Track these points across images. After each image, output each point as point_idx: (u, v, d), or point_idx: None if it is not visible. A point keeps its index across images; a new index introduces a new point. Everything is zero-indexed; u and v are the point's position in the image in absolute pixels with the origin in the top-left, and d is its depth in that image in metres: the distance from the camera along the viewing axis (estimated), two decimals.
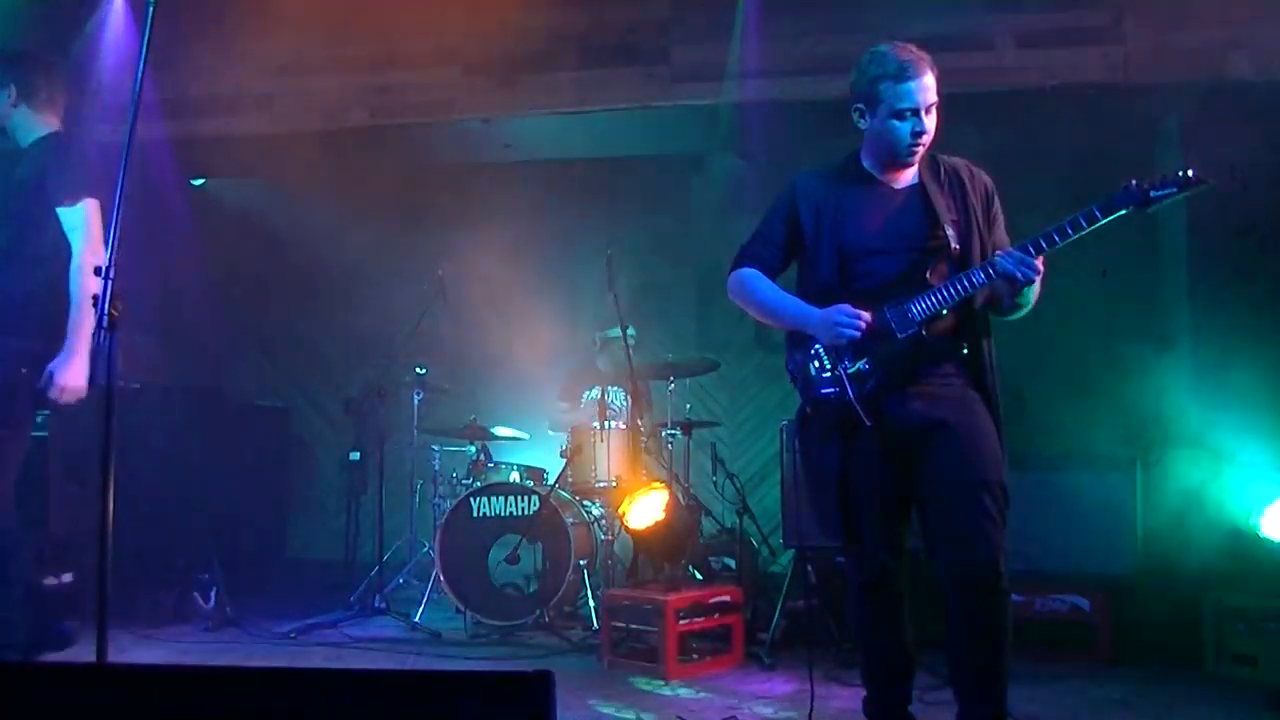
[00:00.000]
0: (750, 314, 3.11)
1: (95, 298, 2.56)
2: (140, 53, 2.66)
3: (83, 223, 3.56)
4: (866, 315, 2.83)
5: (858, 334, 2.82)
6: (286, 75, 5.50)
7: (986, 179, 3.03)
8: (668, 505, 4.81)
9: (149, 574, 5.12)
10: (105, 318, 2.55)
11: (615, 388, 5.68)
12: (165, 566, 5.33)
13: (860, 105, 2.92)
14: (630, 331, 5.40)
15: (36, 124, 3.74)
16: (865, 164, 3.01)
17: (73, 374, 3.47)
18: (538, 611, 4.96)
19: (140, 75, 2.67)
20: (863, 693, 3.05)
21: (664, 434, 5.52)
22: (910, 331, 2.83)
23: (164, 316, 5.69)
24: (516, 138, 5.79)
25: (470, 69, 5.35)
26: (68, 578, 5.20)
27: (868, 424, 2.81)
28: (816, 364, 2.93)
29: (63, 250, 3.56)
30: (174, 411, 5.74)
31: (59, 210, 3.56)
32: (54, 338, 3.51)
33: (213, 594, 5.23)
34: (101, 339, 2.58)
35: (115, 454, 2.55)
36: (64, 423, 5.34)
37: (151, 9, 2.65)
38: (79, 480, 5.16)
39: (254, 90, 5.52)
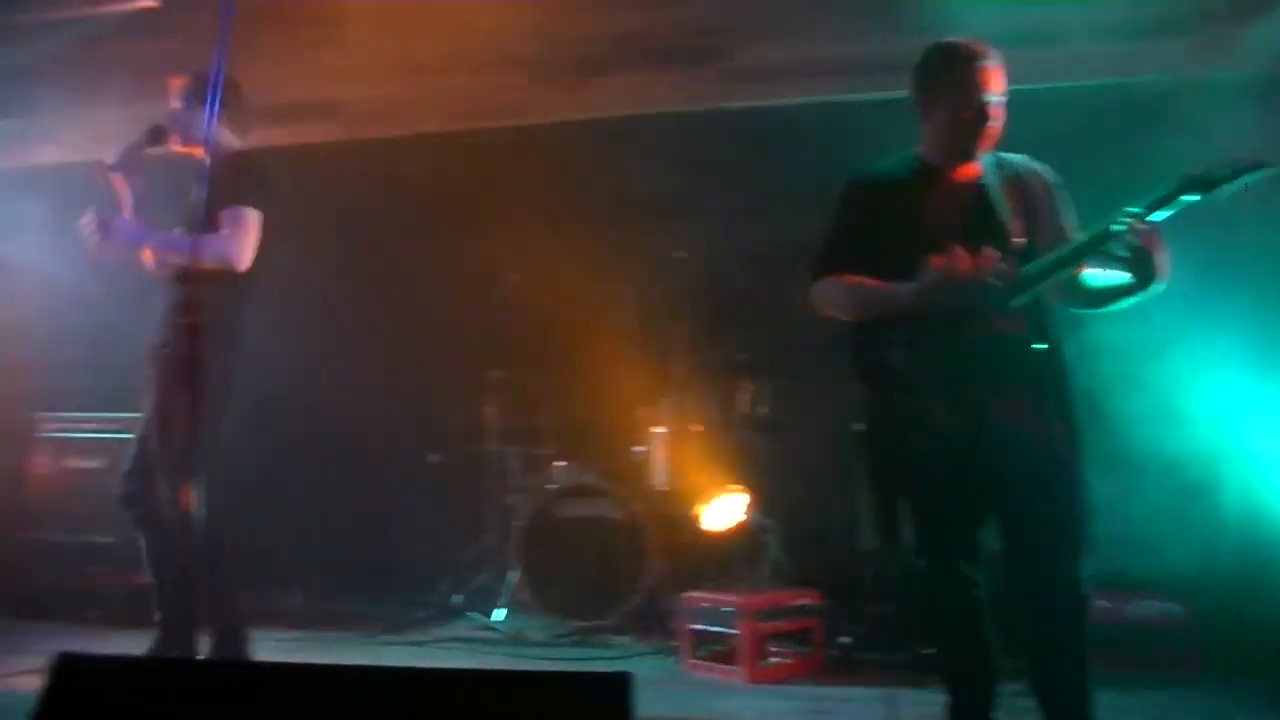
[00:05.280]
0: (843, 317, 3.04)
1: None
2: (216, 65, 2.71)
3: None
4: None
5: (962, 297, 2.73)
6: (355, 83, 5.58)
7: (1048, 172, 2.98)
8: (746, 507, 4.79)
9: (240, 571, 5.21)
10: (191, 321, 2.62)
11: (693, 392, 5.66)
12: (254, 567, 5.43)
13: (927, 96, 2.88)
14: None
15: None
16: (926, 160, 2.96)
17: None
18: (617, 613, 4.97)
19: (216, 87, 2.73)
20: (945, 699, 3.00)
21: (741, 435, 5.49)
22: (1007, 301, 2.75)
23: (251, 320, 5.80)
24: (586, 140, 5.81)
25: (537, 73, 5.38)
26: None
27: (949, 425, 2.75)
28: (892, 364, 2.88)
29: None
30: (261, 413, 5.83)
31: None
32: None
33: (300, 592, 5.32)
34: (190, 341, 2.64)
35: (204, 453, 2.61)
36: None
37: (226, 20, 2.70)
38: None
39: (323, 98, 5.61)
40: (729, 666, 4.23)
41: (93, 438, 5.49)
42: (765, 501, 5.19)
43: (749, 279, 6.81)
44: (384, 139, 5.64)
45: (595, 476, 5.44)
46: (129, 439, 5.46)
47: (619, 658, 4.66)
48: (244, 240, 3.81)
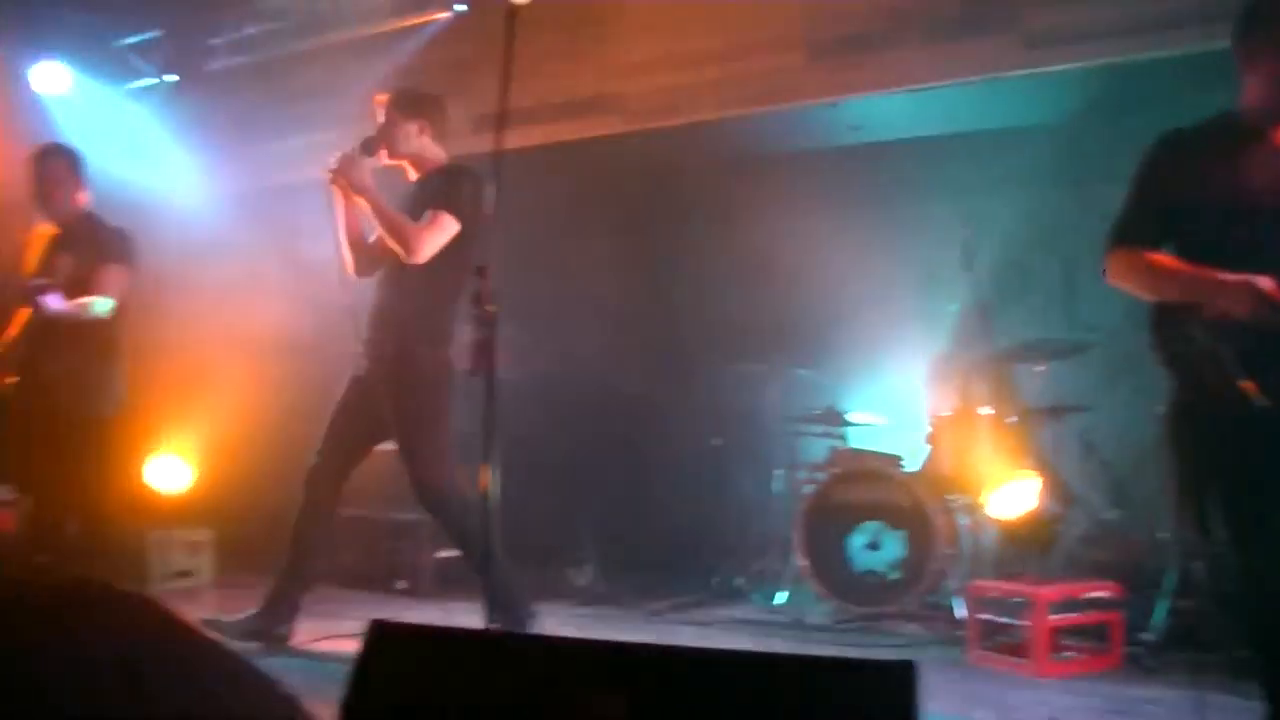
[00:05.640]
0: (1136, 294, 2.85)
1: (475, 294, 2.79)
2: (506, 65, 2.85)
3: None
4: None
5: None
6: (637, 74, 5.71)
7: None
8: (1037, 493, 4.59)
9: (531, 550, 5.48)
10: (484, 313, 2.76)
11: (978, 373, 5.47)
12: (545, 544, 5.70)
13: (1249, 47, 2.61)
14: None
15: None
16: (1246, 120, 2.69)
17: None
18: (900, 600, 4.88)
19: (505, 88, 2.87)
20: (1264, 710, 2.75)
21: (1031, 419, 5.25)
22: None
23: (538, 311, 6.08)
24: (864, 119, 5.69)
25: (814, 52, 5.32)
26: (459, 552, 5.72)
27: (1263, 406, 2.52)
28: (1198, 344, 2.65)
29: None
30: (549, 401, 6.13)
31: None
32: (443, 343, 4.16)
33: (588, 571, 5.53)
34: (483, 333, 2.79)
35: (498, 439, 2.75)
36: (452, 411, 5.90)
37: (511, 22, 2.83)
38: (466, 462, 5.63)
39: (609, 91, 5.77)
40: (1018, 659, 4.07)
41: None
42: (1058, 488, 4.95)
43: (1041, 253, 6.51)
44: (662, 129, 5.75)
45: (878, 461, 5.35)
46: None
47: (902, 645, 4.58)
48: (431, 237, 4.06)
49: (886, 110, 5.58)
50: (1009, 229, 6.40)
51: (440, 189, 4.16)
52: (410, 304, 4.18)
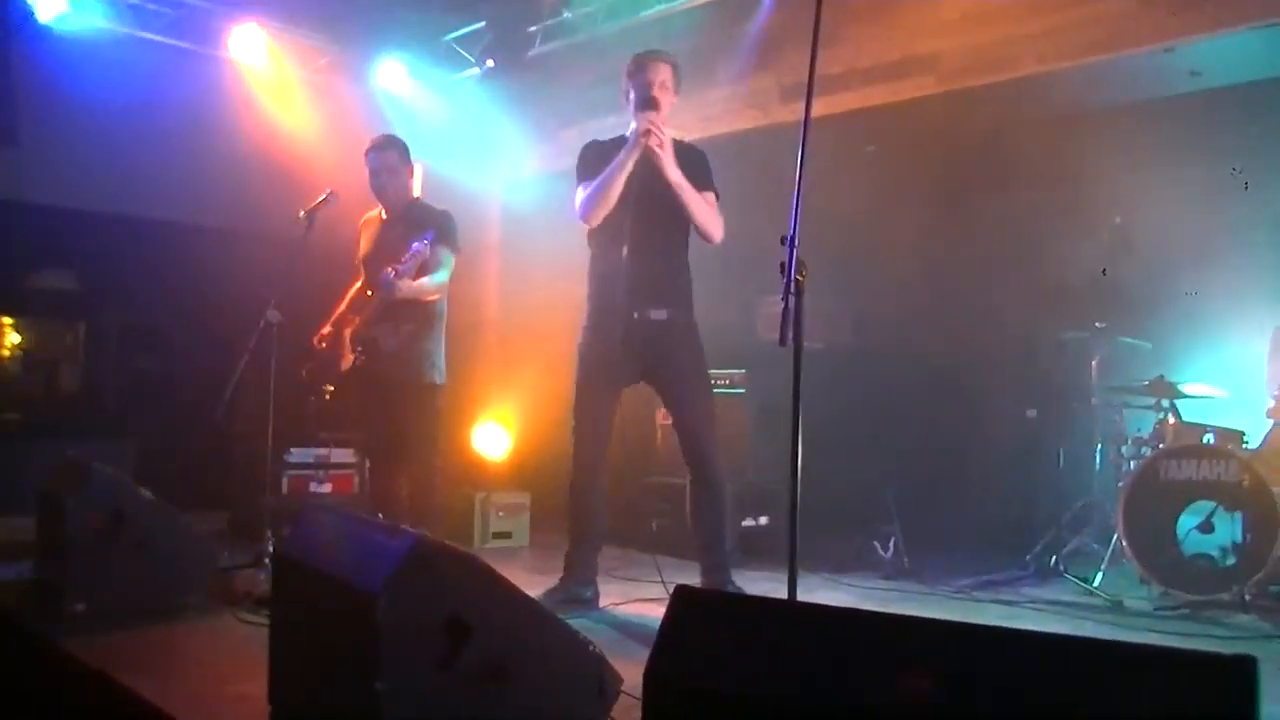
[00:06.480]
0: None
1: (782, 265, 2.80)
2: (813, 32, 2.83)
3: None
4: None
5: None
6: (948, 33, 5.51)
7: None
8: None
9: (834, 522, 5.46)
10: (793, 283, 2.77)
11: None
12: (848, 517, 5.67)
13: None
14: None
15: None
16: None
17: None
18: (1234, 588, 4.49)
19: (814, 55, 2.85)
20: None
21: None
22: None
23: (848, 281, 6.03)
24: (1204, 63, 5.22)
25: None
26: (764, 520, 5.80)
27: None
28: None
29: None
30: (854, 372, 6.07)
31: None
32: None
33: (892, 545, 5.45)
34: (790, 303, 2.79)
35: (803, 410, 2.75)
36: (757, 381, 5.99)
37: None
38: (771, 433, 5.70)
39: (920, 52, 5.60)
40: None
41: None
42: None
43: None
44: (978, 88, 5.54)
45: (1215, 436, 4.94)
46: (736, 394, 6.03)
47: (1237, 638, 4.21)
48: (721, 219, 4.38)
49: (1231, 51, 5.10)
50: None
51: (702, 168, 4.40)
52: (677, 273, 4.45)
